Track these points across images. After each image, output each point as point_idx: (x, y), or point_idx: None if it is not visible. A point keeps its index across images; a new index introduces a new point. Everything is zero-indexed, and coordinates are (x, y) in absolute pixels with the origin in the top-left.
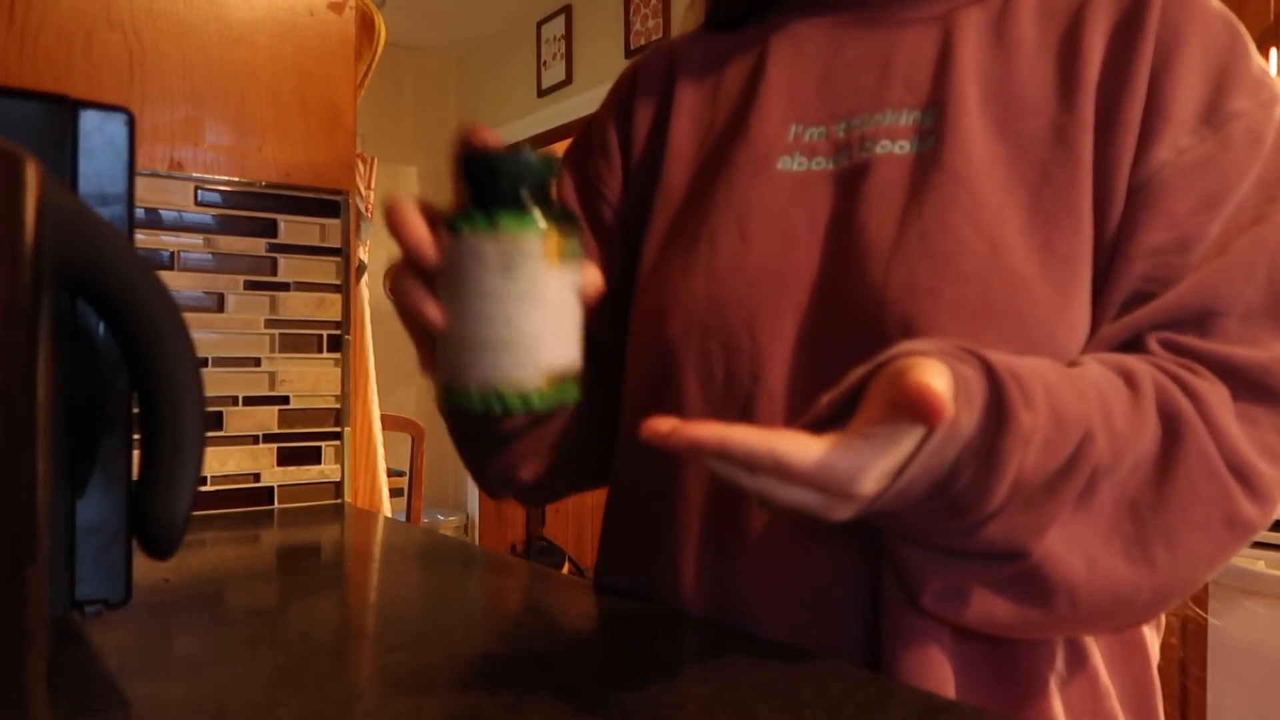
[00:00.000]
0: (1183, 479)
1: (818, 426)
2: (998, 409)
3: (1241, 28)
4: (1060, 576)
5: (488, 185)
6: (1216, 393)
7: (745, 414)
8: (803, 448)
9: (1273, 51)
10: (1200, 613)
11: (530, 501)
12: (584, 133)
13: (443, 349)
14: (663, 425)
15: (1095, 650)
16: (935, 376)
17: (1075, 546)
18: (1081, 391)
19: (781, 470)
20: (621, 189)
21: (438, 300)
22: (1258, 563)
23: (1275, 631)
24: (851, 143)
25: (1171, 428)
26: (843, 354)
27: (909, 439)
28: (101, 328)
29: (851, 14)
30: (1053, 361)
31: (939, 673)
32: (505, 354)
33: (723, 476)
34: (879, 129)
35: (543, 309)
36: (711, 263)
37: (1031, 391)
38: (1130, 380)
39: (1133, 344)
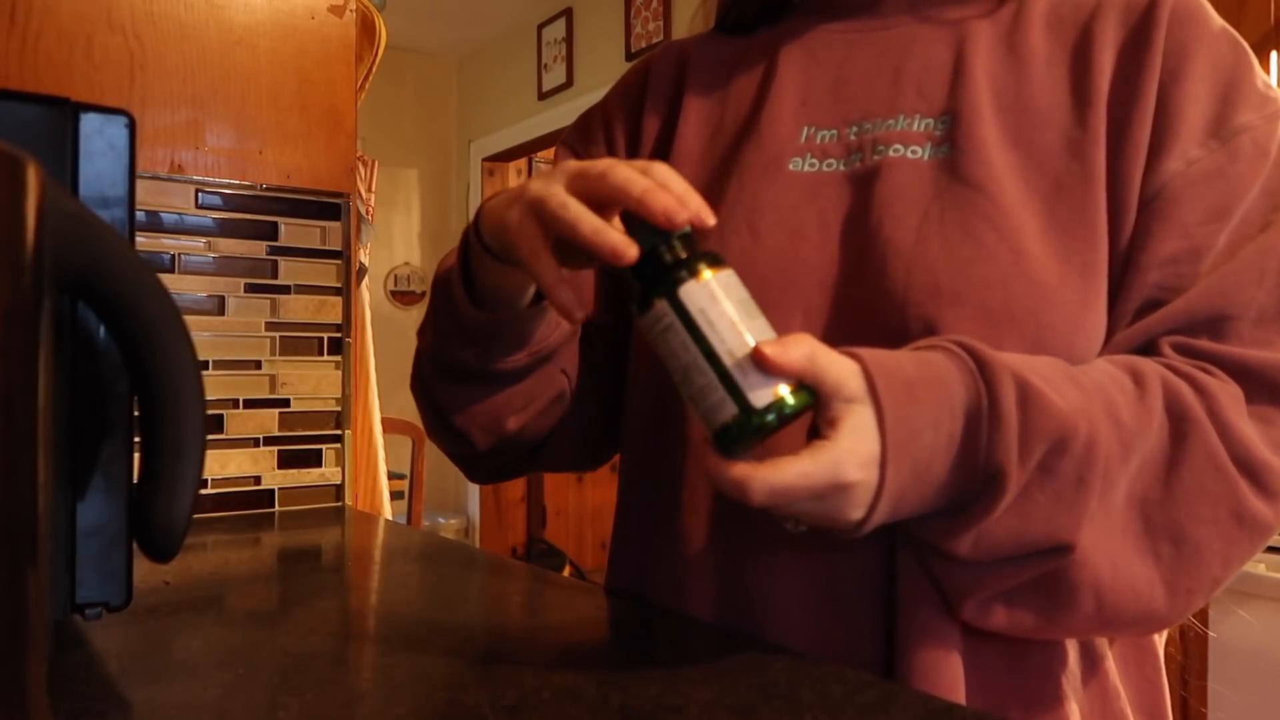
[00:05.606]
0: (1188, 474)
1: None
2: (981, 371)
3: (1245, 45)
4: (1087, 575)
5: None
6: (1228, 390)
7: None
8: (781, 466)
9: (1273, 55)
10: (1200, 625)
11: (483, 468)
12: (583, 119)
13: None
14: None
15: (1108, 653)
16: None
17: (1099, 545)
18: (1081, 385)
19: (774, 494)
20: None
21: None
22: (1258, 566)
23: (1276, 635)
24: (864, 146)
25: (1178, 425)
26: None
27: (862, 420)
28: (102, 330)
29: (863, 21)
30: (1053, 359)
31: (951, 672)
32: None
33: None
34: (891, 133)
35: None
36: None
37: (1015, 362)
38: (1137, 377)
39: (1146, 349)
